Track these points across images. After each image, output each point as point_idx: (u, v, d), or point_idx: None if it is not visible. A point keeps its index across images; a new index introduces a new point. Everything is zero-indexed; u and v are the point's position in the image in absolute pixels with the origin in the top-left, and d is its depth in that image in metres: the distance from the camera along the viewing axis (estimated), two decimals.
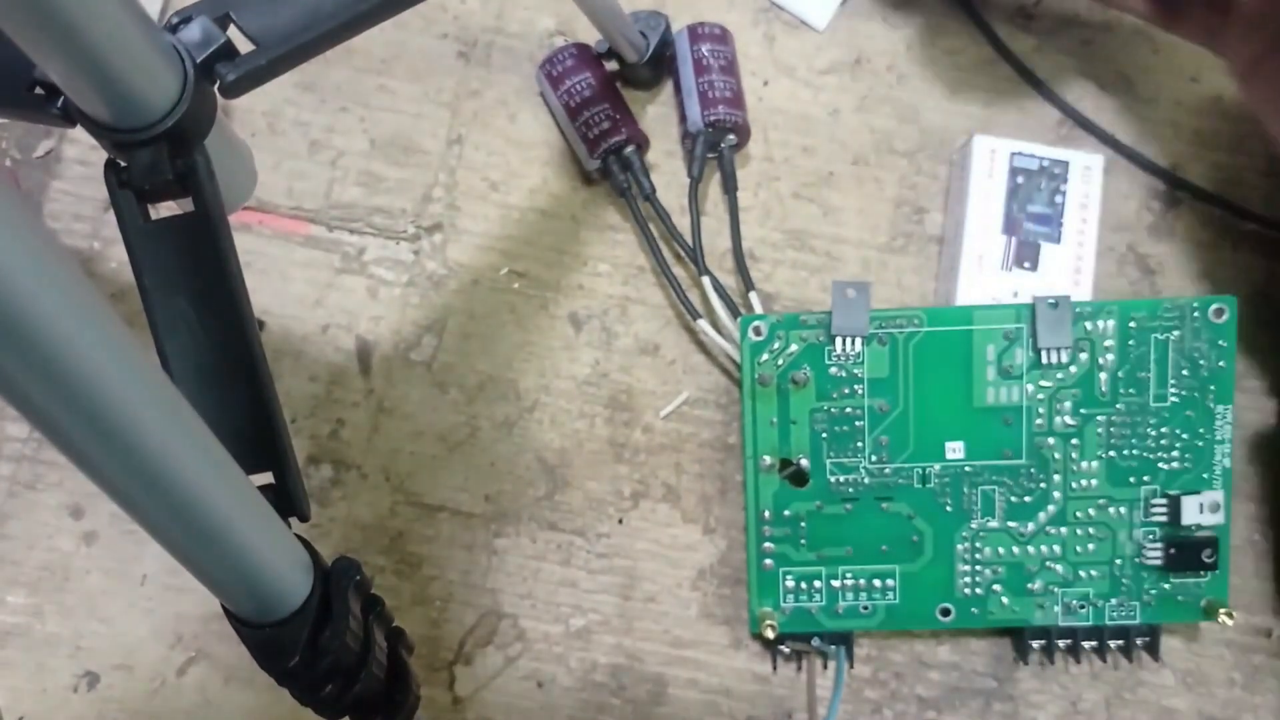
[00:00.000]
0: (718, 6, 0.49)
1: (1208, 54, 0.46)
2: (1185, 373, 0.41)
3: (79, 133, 0.33)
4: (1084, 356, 0.41)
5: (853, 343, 0.41)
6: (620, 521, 0.45)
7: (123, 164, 0.28)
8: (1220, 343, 0.40)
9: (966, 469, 0.41)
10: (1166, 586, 0.41)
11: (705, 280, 0.45)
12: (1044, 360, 0.40)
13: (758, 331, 0.41)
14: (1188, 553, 0.41)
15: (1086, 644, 0.42)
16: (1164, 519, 0.41)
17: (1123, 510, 0.41)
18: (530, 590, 0.44)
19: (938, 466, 0.41)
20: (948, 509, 0.41)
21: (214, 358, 0.30)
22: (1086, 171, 0.45)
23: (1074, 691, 0.44)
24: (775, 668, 0.43)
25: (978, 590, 0.41)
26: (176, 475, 0.21)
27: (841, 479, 0.41)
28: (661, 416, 0.45)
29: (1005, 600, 0.41)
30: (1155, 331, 0.40)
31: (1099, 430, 0.41)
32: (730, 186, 0.46)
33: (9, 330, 0.16)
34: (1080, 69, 0.49)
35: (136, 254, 0.30)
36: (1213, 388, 0.41)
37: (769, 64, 0.49)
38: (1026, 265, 0.44)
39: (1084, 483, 0.41)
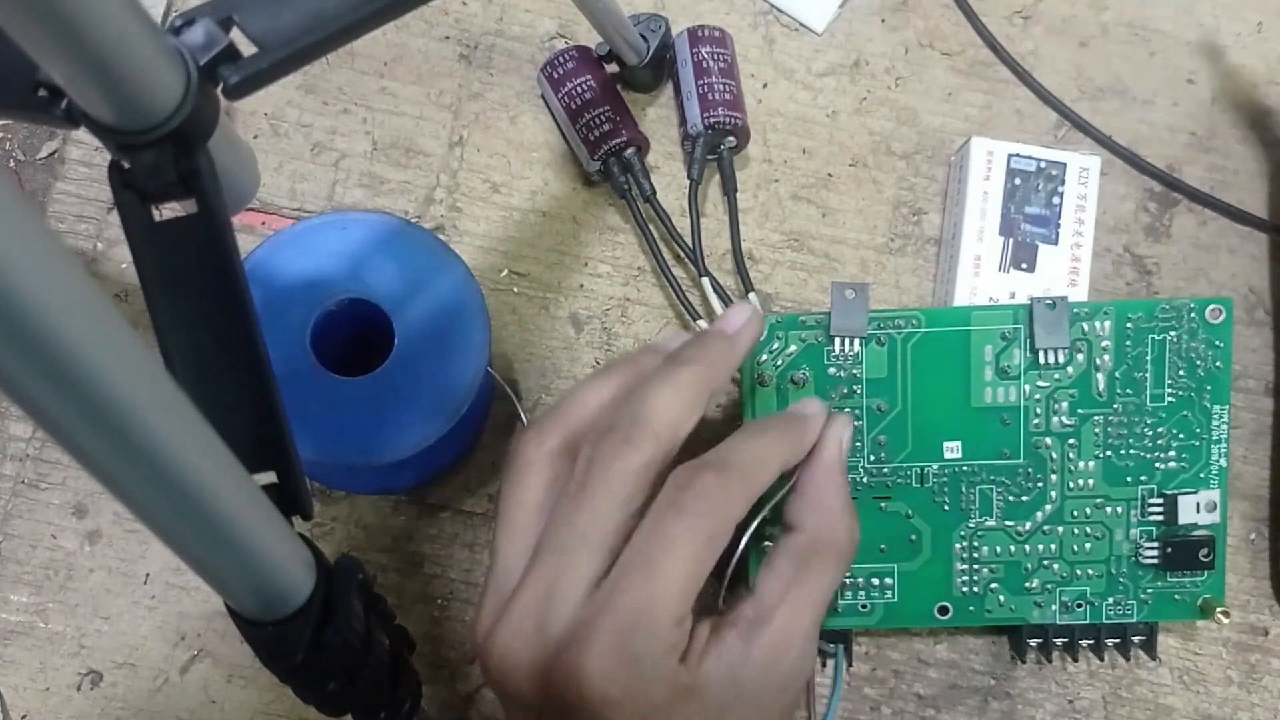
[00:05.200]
0: (717, 9, 0.50)
1: (1204, 56, 0.46)
2: (1182, 373, 0.41)
3: (83, 134, 0.33)
4: (1081, 357, 0.41)
5: (851, 343, 0.41)
6: None
7: (126, 165, 0.29)
8: (1217, 343, 0.41)
9: (964, 468, 0.41)
10: (1163, 585, 0.41)
11: (705, 281, 0.45)
12: (1041, 361, 0.41)
13: None
14: (1184, 552, 0.41)
15: (1084, 642, 0.42)
16: (1161, 518, 0.41)
17: (1120, 509, 0.41)
18: None
19: (936, 466, 0.41)
20: (945, 508, 0.41)
21: (217, 358, 0.30)
22: (1083, 173, 0.45)
23: (1071, 690, 0.44)
24: None
25: (975, 589, 0.42)
26: (180, 474, 0.22)
27: None
28: None
29: (1003, 599, 0.42)
30: (1152, 332, 0.41)
31: (1096, 430, 0.41)
32: (730, 188, 0.47)
33: (13, 330, 0.16)
34: (1077, 71, 0.49)
35: (140, 255, 0.30)
36: (1209, 388, 0.41)
37: (768, 66, 0.49)
38: (1024, 266, 0.45)
39: (1081, 482, 0.41)
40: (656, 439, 0.32)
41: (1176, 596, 0.42)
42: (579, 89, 0.46)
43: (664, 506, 0.32)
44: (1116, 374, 0.41)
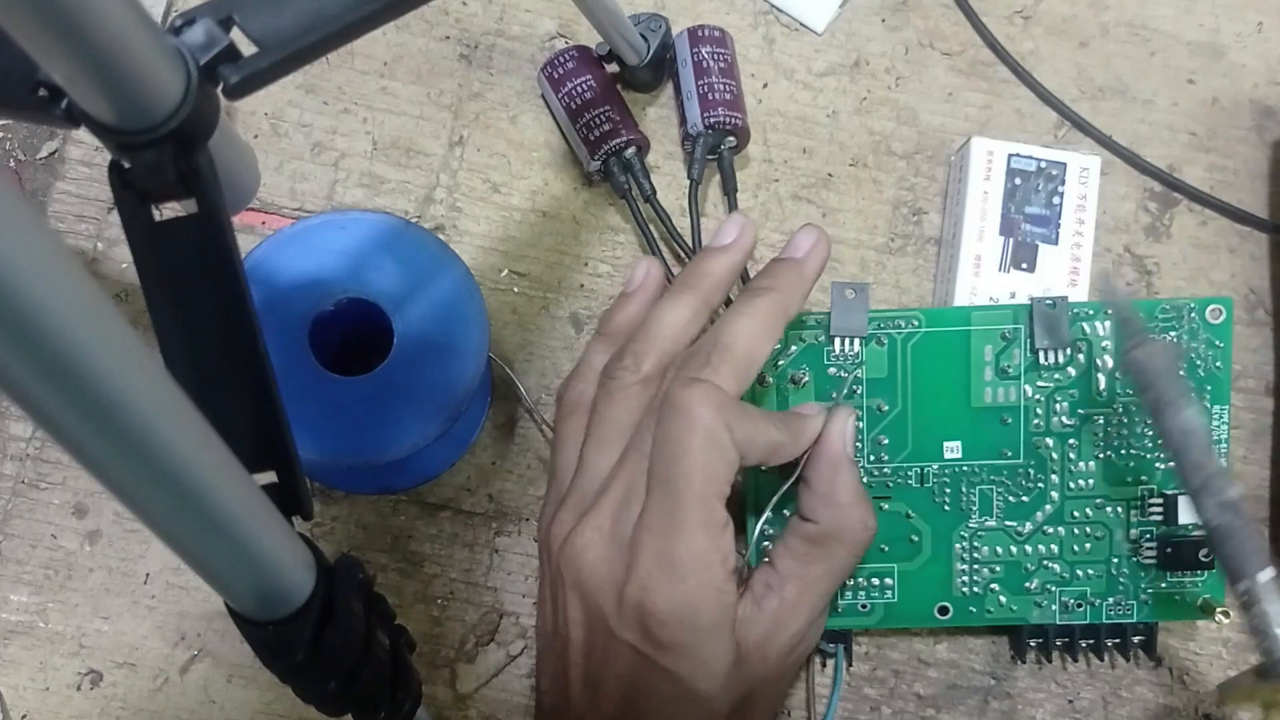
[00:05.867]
0: (717, 9, 0.50)
1: (1204, 56, 0.46)
2: (1182, 373, 0.41)
3: (83, 134, 0.34)
4: (1081, 357, 0.41)
5: (851, 343, 0.41)
6: None
7: (126, 165, 0.29)
8: (1217, 343, 0.41)
9: (964, 468, 0.41)
10: (1163, 585, 0.41)
11: None
12: (1041, 361, 0.41)
13: None
14: (1184, 552, 0.41)
15: (1084, 642, 0.42)
16: (1160, 518, 0.41)
17: (1119, 510, 0.41)
18: (532, 589, 0.44)
19: (936, 466, 0.41)
20: (946, 508, 0.41)
21: (217, 357, 0.30)
22: (1084, 173, 0.45)
23: (1071, 689, 0.44)
24: None
25: (975, 589, 0.42)
26: (180, 474, 0.22)
27: None
28: None
29: (1003, 599, 0.42)
30: (1153, 332, 0.41)
31: (1096, 430, 0.41)
32: (730, 188, 0.47)
33: (14, 330, 0.16)
34: (1078, 71, 0.49)
35: (140, 255, 0.30)
36: (1209, 388, 0.41)
37: (768, 66, 0.49)
38: (1024, 266, 0.45)
39: (1081, 482, 0.41)
40: (736, 363, 0.35)
41: (1176, 596, 0.42)
42: (579, 89, 0.46)
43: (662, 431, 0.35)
44: (1117, 374, 0.41)
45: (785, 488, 0.39)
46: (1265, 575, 0.34)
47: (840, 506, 0.37)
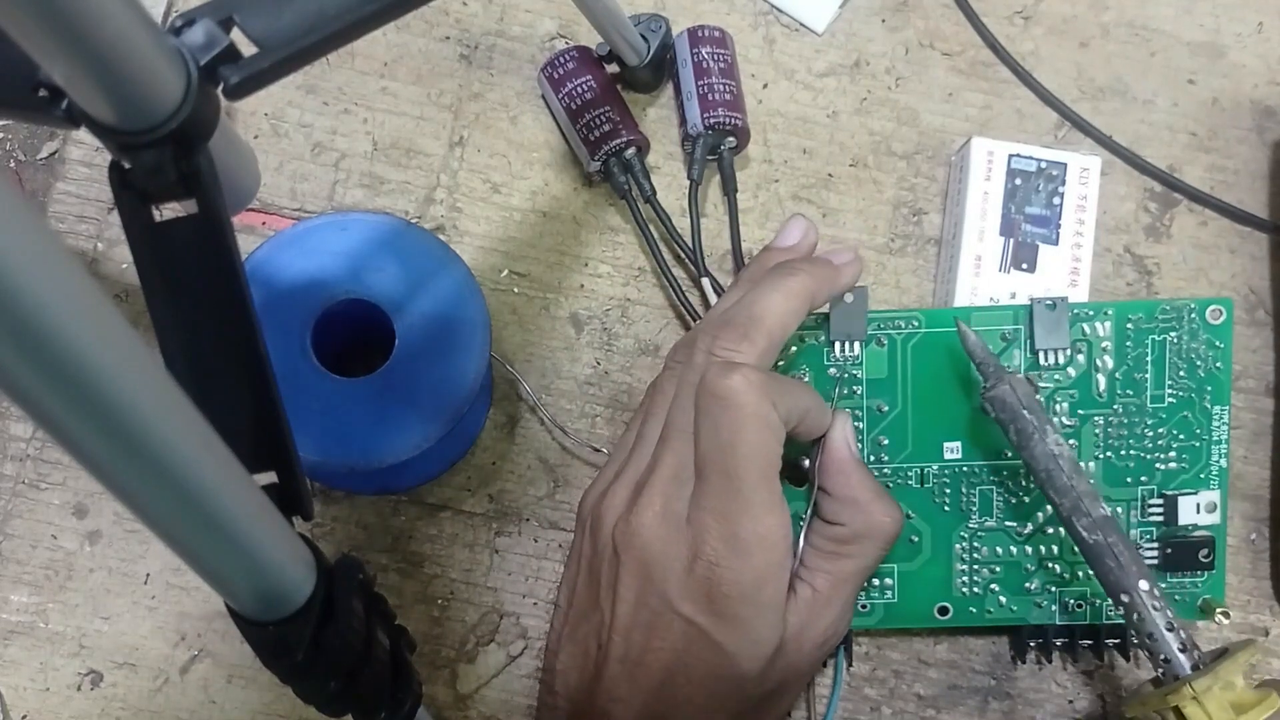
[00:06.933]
0: (717, 9, 0.50)
1: (1204, 56, 0.46)
2: (1182, 374, 0.41)
3: (83, 134, 0.34)
4: (1081, 358, 0.41)
5: (851, 344, 0.41)
6: None
7: (127, 166, 0.29)
8: (1217, 344, 0.41)
9: (964, 469, 0.41)
10: (1163, 586, 0.41)
11: (705, 281, 0.45)
12: (1042, 361, 0.41)
13: None
14: (1184, 552, 0.41)
15: (1083, 642, 0.42)
16: (1161, 519, 0.41)
17: (1120, 510, 0.41)
18: (532, 589, 0.44)
19: (936, 466, 0.41)
20: (946, 509, 0.41)
21: (218, 358, 0.30)
22: (1084, 173, 0.45)
23: (1071, 690, 0.44)
24: None
25: (975, 589, 0.42)
26: (180, 474, 0.22)
27: None
28: None
29: (1003, 599, 0.42)
30: (1152, 333, 0.41)
31: (1096, 431, 0.41)
32: (730, 188, 0.47)
33: (14, 330, 0.16)
34: (1078, 71, 0.49)
35: (140, 255, 0.30)
36: (1209, 388, 0.41)
37: (768, 67, 0.49)
38: (1024, 267, 0.45)
39: None
40: (769, 336, 0.37)
41: (1176, 597, 0.42)
42: (579, 89, 0.46)
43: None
44: (1117, 375, 0.41)
45: (810, 506, 0.39)
46: (1144, 585, 0.35)
47: (861, 506, 0.38)
